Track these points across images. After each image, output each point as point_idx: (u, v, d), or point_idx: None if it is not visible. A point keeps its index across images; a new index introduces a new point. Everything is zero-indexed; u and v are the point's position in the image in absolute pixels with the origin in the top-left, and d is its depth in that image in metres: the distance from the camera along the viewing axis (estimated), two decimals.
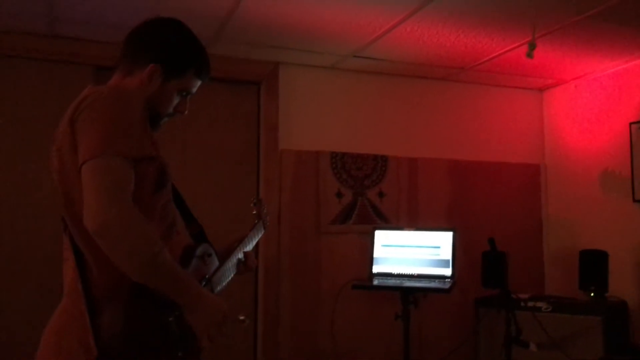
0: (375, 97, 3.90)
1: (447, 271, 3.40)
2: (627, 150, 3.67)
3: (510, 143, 4.25)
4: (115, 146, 1.43)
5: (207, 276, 1.71)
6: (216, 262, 1.81)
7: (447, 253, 3.45)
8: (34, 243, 3.13)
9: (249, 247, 2.06)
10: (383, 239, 3.58)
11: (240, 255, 1.98)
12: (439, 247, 3.48)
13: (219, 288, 1.78)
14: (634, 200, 3.60)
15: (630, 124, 3.65)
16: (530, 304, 3.48)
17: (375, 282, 3.45)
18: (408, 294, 3.31)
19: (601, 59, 3.62)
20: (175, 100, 1.70)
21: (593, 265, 3.52)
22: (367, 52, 3.49)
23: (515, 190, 4.21)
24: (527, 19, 2.93)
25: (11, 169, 3.16)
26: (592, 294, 3.47)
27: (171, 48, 1.66)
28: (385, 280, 3.45)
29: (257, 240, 2.16)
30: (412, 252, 3.51)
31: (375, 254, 3.55)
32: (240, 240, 1.99)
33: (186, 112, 1.75)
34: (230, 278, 1.90)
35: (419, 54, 3.52)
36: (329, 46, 3.39)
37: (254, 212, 2.25)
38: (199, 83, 1.74)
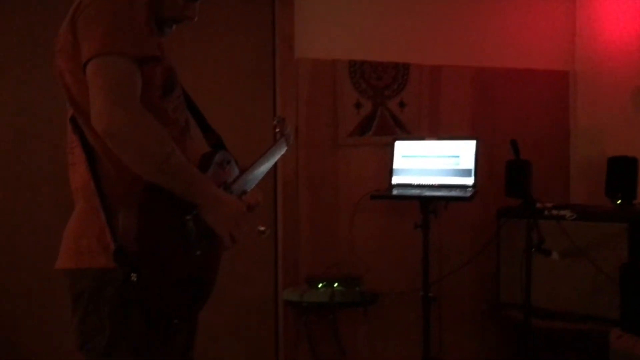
0: (396, 0, 3.70)
1: (469, 180, 3.32)
2: None
3: (537, 47, 4.02)
4: (119, 44, 1.39)
5: (227, 183, 1.66)
6: (236, 171, 1.75)
7: (469, 162, 3.35)
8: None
9: (271, 162, 2.01)
10: (403, 150, 3.49)
11: (263, 168, 1.93)
12: (460, 157, 3.38)
13: None
14: None
15: None
16: (554, 212, 3.40)
17: (395, 192, 3.40)
18: (428, 203, 3.26)
19: None
20: (182, 3, 1.62)
21: (621, 172, 3.41)
22: None
23: (541, 98, 4.04)
24: None
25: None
26: (618, 201, 3.39)
27: None
28: (405, 191, 3.39)
29: (278, 156, 2.09)
30: (433, 163, 3.43)
31: (395, 166, 3.47)
32: (262, 154, 1.93)
33: (196, 19, 1.67)
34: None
35: None
36: None
37: (277, 129, 2.18)
38: None
